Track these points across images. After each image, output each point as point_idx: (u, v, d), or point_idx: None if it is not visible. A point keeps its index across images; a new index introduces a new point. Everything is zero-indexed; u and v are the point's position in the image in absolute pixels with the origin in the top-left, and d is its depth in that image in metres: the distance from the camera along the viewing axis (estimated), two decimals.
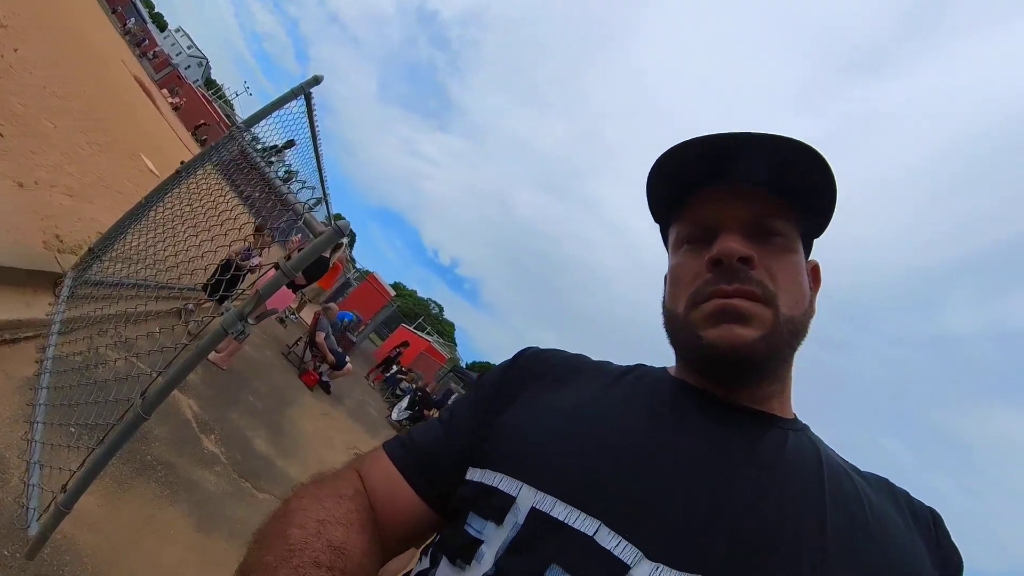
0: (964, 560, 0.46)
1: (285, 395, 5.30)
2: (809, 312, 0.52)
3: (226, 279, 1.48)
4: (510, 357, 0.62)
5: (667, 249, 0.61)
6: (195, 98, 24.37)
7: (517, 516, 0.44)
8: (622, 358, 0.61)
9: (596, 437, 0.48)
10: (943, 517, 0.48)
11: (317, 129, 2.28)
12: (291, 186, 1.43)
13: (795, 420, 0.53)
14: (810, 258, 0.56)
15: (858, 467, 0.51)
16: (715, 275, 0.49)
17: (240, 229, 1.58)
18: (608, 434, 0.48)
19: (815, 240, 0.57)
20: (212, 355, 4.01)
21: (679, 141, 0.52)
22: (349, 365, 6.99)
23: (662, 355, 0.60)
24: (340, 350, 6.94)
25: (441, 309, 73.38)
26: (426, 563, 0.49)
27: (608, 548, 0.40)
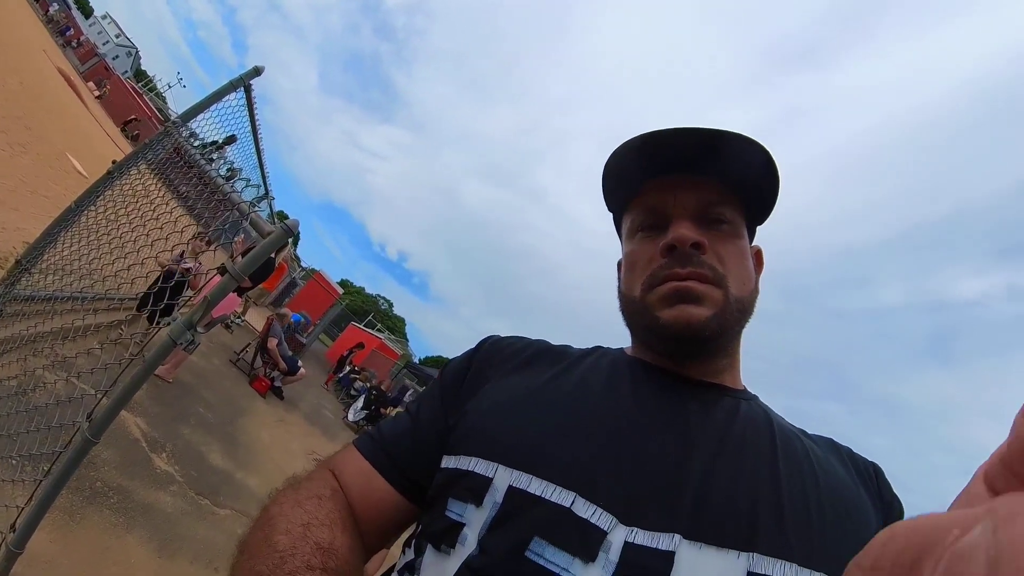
0: (904, 507, 0.50)
1: (237, 404, 5.09)
2: (755, 293, 0.56)
3: (170, 287, 1.38)
4: (473, 346, 0.64)
5: (620, 237, 0.64)
6: (124, 91, 22.48)
7: (496, 496, 0.45)
8: (575, 342, 0.64)
9: (563, 415, 0.50)
10: (883, 470, 0.53)
11: (258, 123, 2.16)
12: (235, 184, 1.35)
13: (745, 390, 0.57)
14: (754, 243, 0.61)
15: (806, 430, 0.55)
16: (669, 260, 0.53)
17: (182, 232, 1.48)
18: (574, 411, 0.50)
19: (758, 227, 0.61)
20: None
21: (633, 136, 0.55)
22: (303, 369, 6.79)
23: (617, 336, 0.61)
24: (291, 354, 6.73)
25: (391, 305, 71.31)
26: (411, 554, 0.50)
27: (585, 517, 0.42)
